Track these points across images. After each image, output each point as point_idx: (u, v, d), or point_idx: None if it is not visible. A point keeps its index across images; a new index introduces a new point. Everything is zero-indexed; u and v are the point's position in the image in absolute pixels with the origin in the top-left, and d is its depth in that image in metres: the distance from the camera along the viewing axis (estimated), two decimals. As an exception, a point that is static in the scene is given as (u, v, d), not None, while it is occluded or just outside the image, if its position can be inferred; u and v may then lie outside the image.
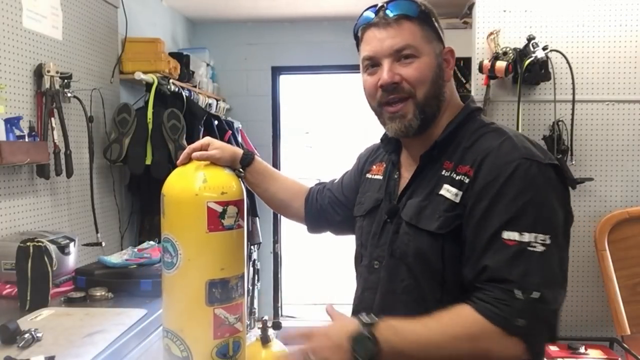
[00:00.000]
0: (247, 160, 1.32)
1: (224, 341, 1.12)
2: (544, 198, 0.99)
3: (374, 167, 1.29)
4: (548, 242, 0.96)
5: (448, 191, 1.05)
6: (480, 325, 0.94)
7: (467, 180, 1.03)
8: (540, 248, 0.96)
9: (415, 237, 1.07)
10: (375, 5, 1.10)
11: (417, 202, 1.09)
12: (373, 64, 1.11)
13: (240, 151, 1.32)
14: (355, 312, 1.18)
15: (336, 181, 1.42)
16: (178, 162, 1.24)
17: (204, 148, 1.23)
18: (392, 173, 1.20)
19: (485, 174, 1.01)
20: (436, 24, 1.11)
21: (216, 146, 1.25)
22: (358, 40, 1.15)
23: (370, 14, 1.10)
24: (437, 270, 1.05)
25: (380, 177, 1.24)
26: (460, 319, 0.96)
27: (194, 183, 1.14)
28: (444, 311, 0.98)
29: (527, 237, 0.96)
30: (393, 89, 1.08)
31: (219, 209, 1.10)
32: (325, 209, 1.39)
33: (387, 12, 1.08)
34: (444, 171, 1.08)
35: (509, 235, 0.96)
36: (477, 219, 1.00)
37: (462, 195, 1.03)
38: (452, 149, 1.09)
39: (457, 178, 1.05)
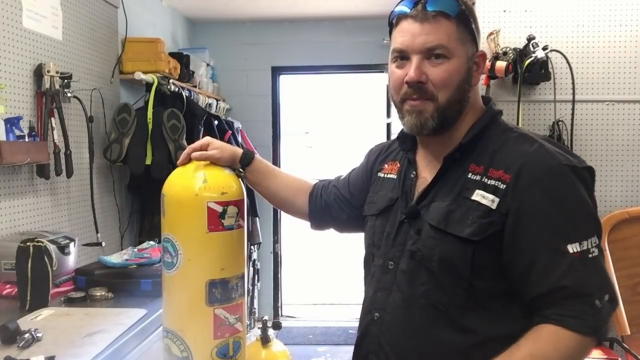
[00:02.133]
0: (246, 159, 1.31)
1: (224, 341, 1.12)
2: (588, 202, 1.01)
3: (386, 165, 1.26)
4: (598, 242, 1.00)
5: (483, 197, 1.02)
6: (578, 342, 0.96)
7: (502, 187, 1.01)
8: (596, 252, 0.99)
9: (442, 241, 1.05)
10: None
11: (445, 206, 1.06)
12: (402, 57, 1.08)
13: (239, 151, 1.31)
14: (368, 312, 1.16)
15: (342, 178, 1.40)
16: (178, 162, 1.23)
17: (204, 148, 1.23)
18: (409, 172, 1.18)
19: (526, 183, 1.00)
20: (473, 26, 1.08)
21: (216, 146, 1.24)
22: (391, 27, 1.12)
23: (407, 5, 1.07)
24: (464, 277, 1.02)
25: (394, 176, 1.22)
26: (562, 347, 0.95)
27: (194, 183, 1.14)
28: (536, 342, 0.96)
29: (585, 244, 0.98)
30: (418, 88, 1.06)
31: (219, 209, 1.10)
32: (331, 206, 1.36)
33: (427, 5, 1.04)
34: (470, 174, 1.05)
35: (573, 247, 0.97)
36: (532, 233, 0.99)
37: (499, 203, 1.01)
38: (478, 152, 1.07)
39: (490, 183, 1.03)
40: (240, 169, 1.30)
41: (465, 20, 1.06)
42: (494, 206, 1.01)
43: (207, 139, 1.26)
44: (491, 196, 1.02)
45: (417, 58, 1.05)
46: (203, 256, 1.11)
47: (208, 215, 1.10)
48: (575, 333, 0.95)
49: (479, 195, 1.03)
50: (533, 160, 1.01)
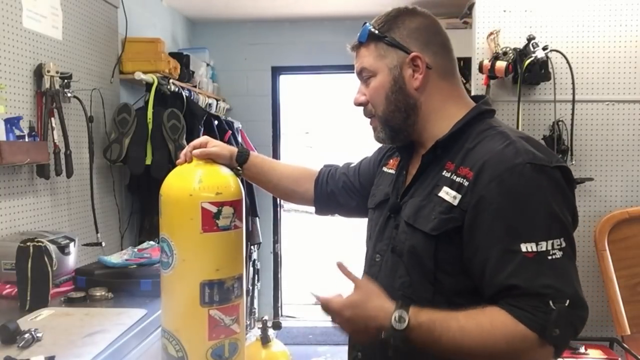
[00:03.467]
0: (242, 157, 1.34)
1: (219, 342, 1.12)
2: (553, 202, 0.98)
3: (391, 161, 1.30)
4: (564, 245, 0.97)
5: (447, 193, 1.04)
6: (519, 332, 0.95)
7: (466, 184, 1.02)
8: (558, 254, 0.96)
9: (411, 236, 1.08)
10: None
11: (417, 202, 1.10)
12: None
13: (235, 149, 1.33)
14: None
15: (352, 166, 1.43)
16: (177, 161, 1.24)
17: (203, 146, 1.24)
18: (402, 169, 1.22)
19: (486, 180, 1.00)
20: (392, 36, 1.12)
21: (215, 144, 1.27)
22: None
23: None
24: (429, 271, 1.05)
25: (393, 171, 1.25)
26: (498, 324, 0.96)
27: (190, 183, 1.14)
28: (478, 312, 0.97)
29: (544, 245, 0.96)
30: (363, 109, 1.18)
31: (214, 209, 1.10)
32: (339, 193, 1.40)
33: (354, 43, 1.18)
34: (444, 172, 1.07)
35: (527, 247, 0.96)
36: (486, 230, 0.99)
37: (461, 199, 1.02)
38: (456, 149, 1.09)
39: (457, 180, 1.04)
40: (238, 167, 1.31)
41: (377, 38, 1.13)
42: (455, 202, 1.03)
43: (205, 137, 1.28)
44: (454, 193, 1.03)
45: (359, 84, 1.18)
46: (197, 257, 1.11)
47: (202, 215, 1.09)
48: (519, 323, 0.94)
49: (444, 192, 1.05)
50: (496, 158, 1.01)
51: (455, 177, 1.05)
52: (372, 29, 1.14)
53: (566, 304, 0.94)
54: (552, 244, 0.96)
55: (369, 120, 1.19)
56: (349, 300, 1.03)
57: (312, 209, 1.46)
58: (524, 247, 0.96)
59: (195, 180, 1.14)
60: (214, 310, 1.10)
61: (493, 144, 1.04)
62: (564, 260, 0.97)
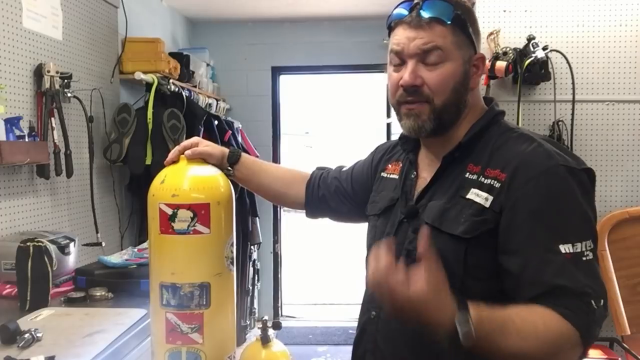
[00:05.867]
0: (234, 158, 1.32)
1: (176, 348, 1.09)
2: (583, 204, 0.99)
3: (390, 166, 1.26)
4: (593, 246, 0.97)
5: (477, 195, 1.02)
6: (569, 331, 0.93)
7: (497, 185, 1.01)
8: (590, 255, 0.96)
9: (436, 239, 1.02)
10: (412, 1, 1.07)
11: (441, 205, 1.06)
12: (399, 60, 1.09)
13: (227, 150, 1.32)
14: (366, 310, 1.17)
15: (344, 170, 1.40)
16: (165, 161, 1.22)
17: (194, 146, 1.23)
18: (409, 172, 1.18)
19: (522, 181, 0.99)
20: (471, 29, 1.07)
21: (206, 143, 1.26)
22: (390, 31, 1.12)
23: (403, 11, 1.07)
24: (457, 276, 1.01)
25: (396, 176, 1.22)
26: (551, 324, 0.93)
27: (156, 183, 1.13)
28: (529, 312, 0.93)
29: (578, 247, 0.96)
30: (413, 92, 1.06)
31: (169, 211, 1.08)
32: (330, 198, 1.37)
33: (421, 12, 1.04)
34: (468, 174, 1.05)
35: (565, 248, 0.95)
36: (526, 231, 0.98)
37: (493, 201, 1.00)
38: (478, 151, 1.07)
39: (486, 182, 1.02)
40: (229, 167, 1.30)
41: (461, 25, 1.05)
42: (487, 204, 1.00)
43: (196, 138, 1.26)
44: (485, 194, 1.01)
45: (412, 62, 1.05)
46: (156, 257, 1.12)
47: (160, 216, 1.09)
48: (567, 322, 0.92)
49: (473, 194, 1.02)
50: (529, 160, 1.00)
51: (483, 178, 1.03)
52: (460, 13, 1.04)
53: (602, 304, 0.94)
54: (585, 245, 0.96)
55: (409, 104, 1.07)
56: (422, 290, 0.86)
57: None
58: (563, 249, 0.95)
59: (159, 180, 1.13)
60: (170, 314, 1.09)
61: (520, 146, 1.03)
62: (594, 261, 0.97)
